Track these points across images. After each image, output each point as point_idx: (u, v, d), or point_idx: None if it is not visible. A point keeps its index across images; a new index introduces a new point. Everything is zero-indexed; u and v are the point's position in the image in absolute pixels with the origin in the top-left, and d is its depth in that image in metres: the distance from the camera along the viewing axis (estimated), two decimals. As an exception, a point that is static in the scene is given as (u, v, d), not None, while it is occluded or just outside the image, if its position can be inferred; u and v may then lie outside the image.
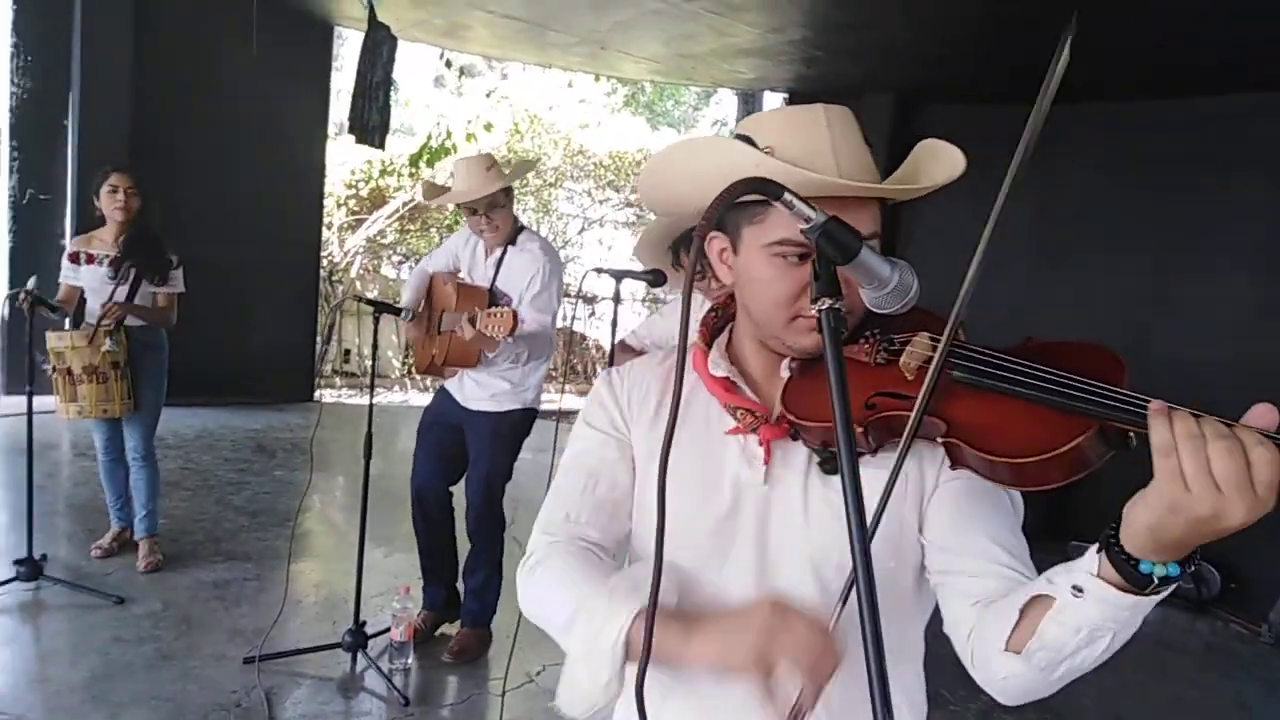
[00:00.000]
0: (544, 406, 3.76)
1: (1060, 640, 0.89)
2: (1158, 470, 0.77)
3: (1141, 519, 0.80)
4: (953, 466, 0.99)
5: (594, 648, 1.01)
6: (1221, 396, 0.82)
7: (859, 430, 1.01)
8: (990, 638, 0.96)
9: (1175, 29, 5.10)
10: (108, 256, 3.96)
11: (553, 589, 1.14)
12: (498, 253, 3.51)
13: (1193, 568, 0.83)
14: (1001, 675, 0.96)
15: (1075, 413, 0.88)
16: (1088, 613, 0.86)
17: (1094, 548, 0.86)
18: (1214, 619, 5.06)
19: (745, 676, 0.92)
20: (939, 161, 1.09)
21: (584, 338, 11.93)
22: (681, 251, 2.85)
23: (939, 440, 0.98)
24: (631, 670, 0.98)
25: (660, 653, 0.94)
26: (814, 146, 1.04)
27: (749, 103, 9.58)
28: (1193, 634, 4.90)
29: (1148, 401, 0.81)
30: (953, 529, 1.07)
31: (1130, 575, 0.83)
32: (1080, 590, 0.86)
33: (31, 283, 3.69)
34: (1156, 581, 0.82)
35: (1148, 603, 0.84)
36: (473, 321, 3.15)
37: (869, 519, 0.96)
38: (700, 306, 3.12)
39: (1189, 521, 0.76)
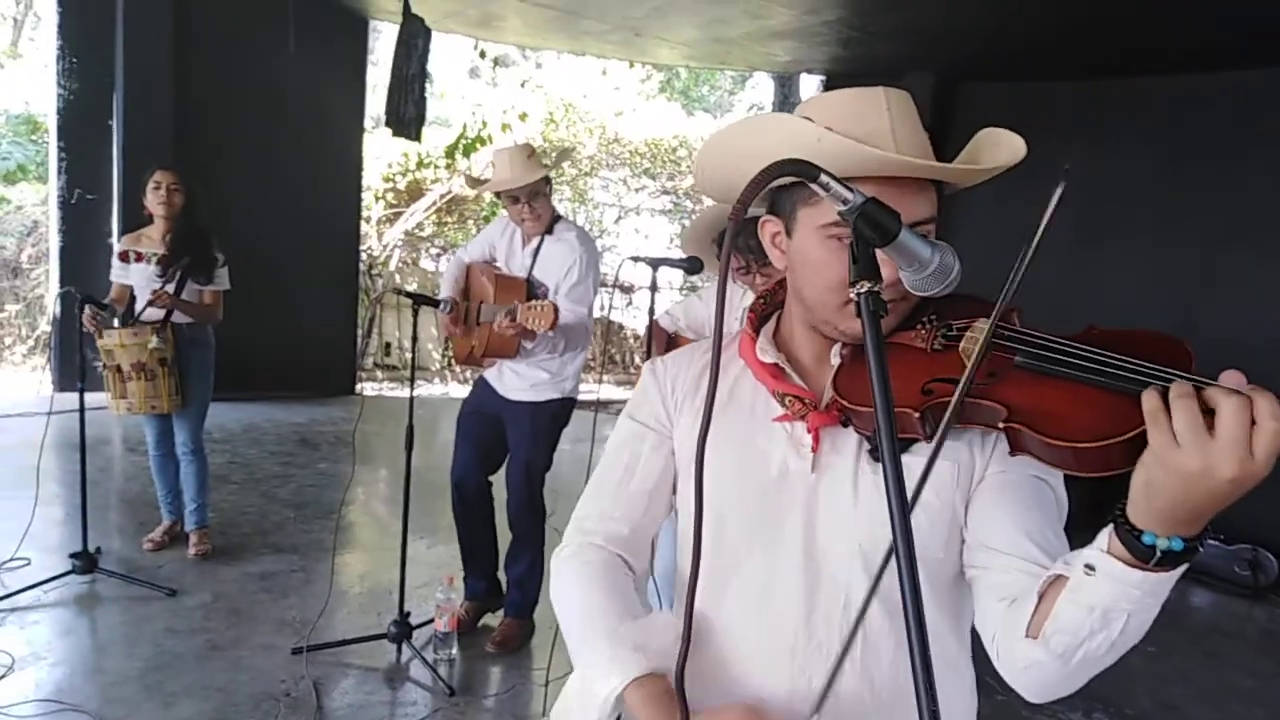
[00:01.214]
0: (582, 396, 3.76)
1: (1075, 621, 0.87)
2: (1149, 431, 0.78)
3: (1138, 481, 0.80)
4: (1012, 452, 0.97)
5: (589, 694, 1.05)
6: (1273, 376, 0.79)
7: (915, 416, 1.00)
8: (1014, 628, 0.95)
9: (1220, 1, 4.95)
10: (156, 255, 4.03)
11: (570, 601, 1.19)
12: (534, 242, 3.51)
13: (1200, 546, 0.82)
14: (1023, 664, 0.95)
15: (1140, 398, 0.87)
16: (1100, 591, 0.85)
17: (1107, 526, 0.85)
18: (1271, 606, 4.94)
19: None
20: (1000, 148, 1.07)
21: (621, 327, 11.93)
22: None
23: (1000, 425, 0.96)
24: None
25: None
26: (873, 127, 1.03)
27: (785, 86, 9.49)
28: (1249, 621, 4.79)
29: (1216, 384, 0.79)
30: (990, 523, 1.05)
31: (1135, 548, 0.82)
32: (1092, 568, 0.85)
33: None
34: (1159, 554, 0.81)
35: (1157, 580, 0.83)
36: (512, 315, 3.16)
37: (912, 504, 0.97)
38: (742, 297, 3.10)
39: (1181, 478, 0.76)
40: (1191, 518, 0.79)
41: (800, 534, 1.11)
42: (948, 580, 1.10)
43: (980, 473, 1.08)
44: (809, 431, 1.11)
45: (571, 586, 1.19)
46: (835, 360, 1.12)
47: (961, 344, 1.03)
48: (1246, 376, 0.78)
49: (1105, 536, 0.85)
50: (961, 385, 0.94)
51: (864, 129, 1.02)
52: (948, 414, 0.94)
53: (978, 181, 1.08)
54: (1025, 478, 1.02)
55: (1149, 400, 0.79)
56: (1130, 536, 0.82)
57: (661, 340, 3.33)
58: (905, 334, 1.08)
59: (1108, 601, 0.84)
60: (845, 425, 1.09)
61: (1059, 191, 0.86)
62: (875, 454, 1.08)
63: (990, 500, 1.06)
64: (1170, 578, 0.83)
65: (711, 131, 1.18)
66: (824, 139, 0.98)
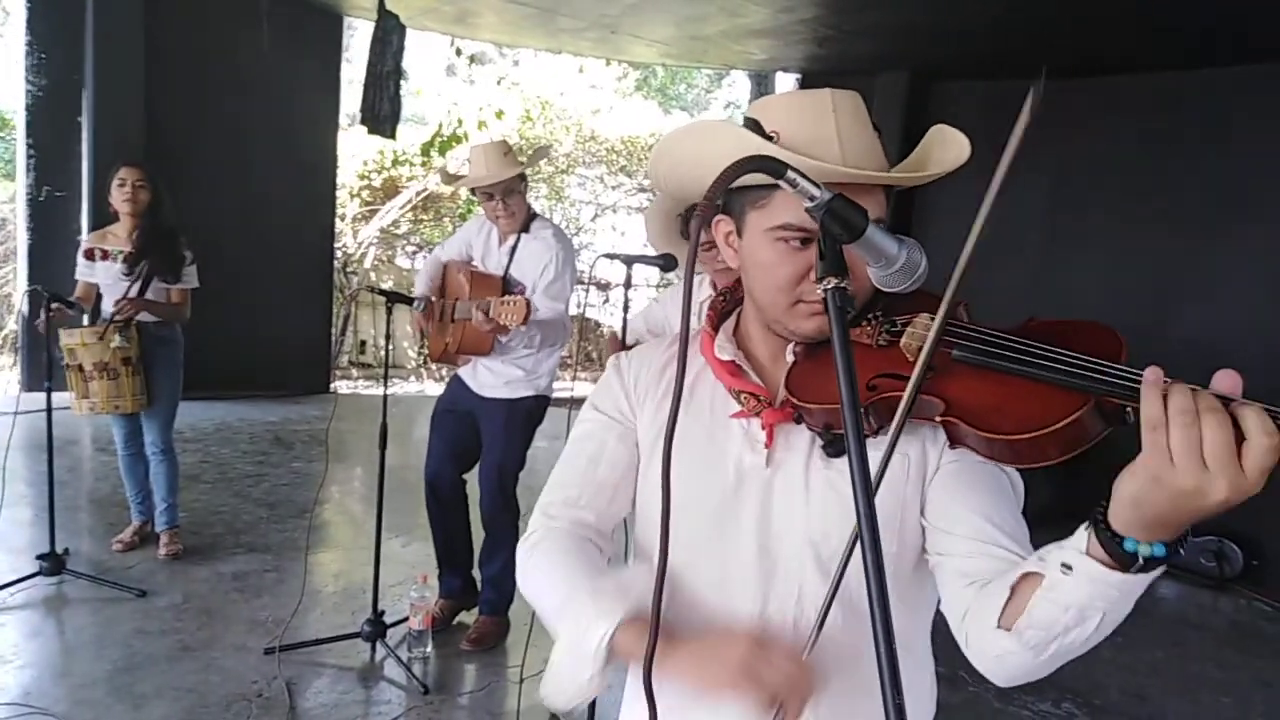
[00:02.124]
0: (557, 394, 3.76)
1: (1050, 618, 0.88)
2: (1145, 443, 0.76)
3: (1126, 491, 0.79)
4: (951, 445, 0.99)
5: (578, 649, 1.05)
6: (1245, 374, 0.80)
7: (860, 412, 1.01)
8: (983, 616, 0.96)
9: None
10: (122, 253, 3.98)
11: (546, 578, 1.18)
12: (511, 240, 3.51)
13: (1180, 551, 0.82)
14: (994, 654, 0.96)
15: (1070, 389, 0.88)
16: (1077, 591, 0.85)
17: (1084, 525, 0.86)
18: (1237, 596, 5.02)
19: (721, 696, 0.97)
20: (946, 148, 1.09)
21: (597, 325, 11.92)
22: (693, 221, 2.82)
23: (937, 419, 0.97)
24: (613, 670, 1.04)
25: (639, 663, 0.98)
26: (820, 133, 1.04)
27: (761, 84, 9.52)
28: (1215, 612, 4.86)
29: (1142, 377, 0.80)
30: (950, 510, 1.06)
31: (1115, 553, 0.82)
32: (1069, 568, 0.86)
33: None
34: (1141, 560, 0.81)
35: (1136, 582, 0.83)
36: (486, 311, 3.15)
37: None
38: (699, 288, 3.11)
39: (1171, 495, 0.75)
40: (1176, 527, 0.80)
41: (754, 528, 1.13)
42: (904, 574, 1.12)
43: (935, 463, 1.09)
44: (763, 428, 1.13)
45: (544, 564, 1.19)
46: (789, 358, 1.14)
47: (903, 339, 1.05)
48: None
49: (1083, 537, 0.85)
50: (913, 383, 0.95)
51: (810, 134, 1.04)
52: (899, 414, 0.95)
53: (924, 183, 1.09)
54: (980, 464, 1.03)
55: (1151, 409, 0.76)
56: (1111, 541, 0.82)
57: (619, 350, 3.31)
58: (851, 330, 1.10)
59: (1084, 600, 0.85)
60: (798, 422, 1.11)
61: (1026, 110, 0.80)
62: (828, 450, 1.09)
63: (948, 488, 1.07)
64: (1148, 579, 0.83)
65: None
66: (764, 150, 0.98)
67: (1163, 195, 6.22)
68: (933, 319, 1.02)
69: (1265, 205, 5.79)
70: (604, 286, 11.04)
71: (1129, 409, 0.84)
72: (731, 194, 1.12)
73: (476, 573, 3.76)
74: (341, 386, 9.57)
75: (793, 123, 1.05)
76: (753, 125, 1.05)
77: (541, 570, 1.19)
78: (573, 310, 3.78)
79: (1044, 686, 0.96)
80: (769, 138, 1.03)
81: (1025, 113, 0.79)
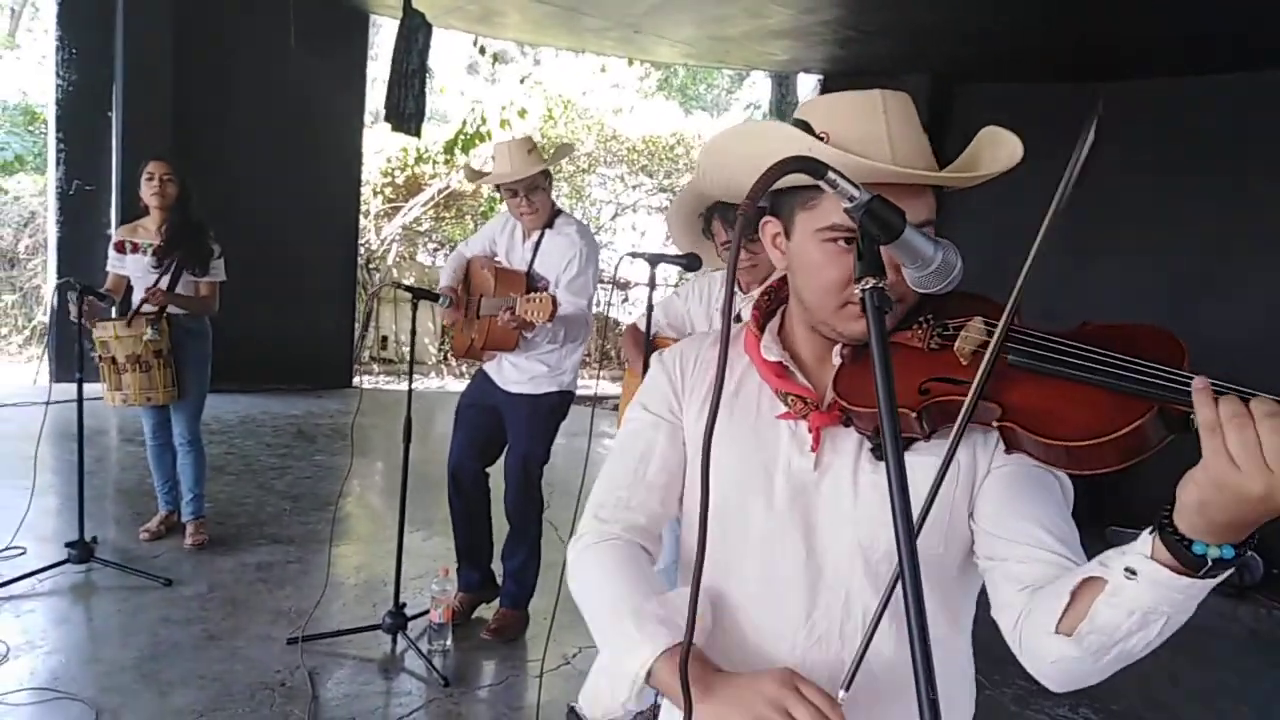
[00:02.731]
0: (580, 391, 3.78)
1: (1113, 623, 0.88)
2: (1205, 448, 0.77)
3: (1191, 497, 0.79)
4: (1008, 450, 0.99)
5: (618, 670, 1.05)
6: (1266, 379, 0.80)
7: (912, 415, 1.02)
8: (1040, 621, 0.96)
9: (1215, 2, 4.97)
10: (151, 245, 4.04)
11: (595, 588, 1.17)
12: (535, 236, 3.54)
13: (1249, 551, 0.81)
14: (1051, 659, 0.95)
15: (1134, 395, 0.87)
16: (1141, 595, 0.85)
17: (1148, 530, 0.85)
18: (1256, 605, 4.98)
19: None
20: (998, 149, 1.08)
21: (618, 323, 11.95)
22: (715, 219, 2.85)
23: (994, 424, 0.97)
24: (649, 692, 1.04)
25: (674, 697, 0.99)
26: (870, 133, 1.04)
27: (783, 85, 9.51)
28: (1235, 620, 4.82)
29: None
30: (1002, 515, 1.06)
31: (1184, 556, 0.82)
32: (1133, 572, 0.85)
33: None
34: (1210, 563, 0.81)
35: (1202, 585, 0.83)
36: (512, 309, 3.18)
37: (921, 504, 0.97)
38: (720, 285, 3.12)
39: (1239, 499, 0.75)
40: (1244, 528, 0.80)
41: (801, 531, 1.12)
42: (947, 577, 1.12)
43: (985, 468, 1.09)
44: (810, 431, 1.12)
45: (594, 573, 1.18)
46: (836, 360, 1.13)
47: (957, 343, 1.04)
48: (1242, 381, 0.78)
49: (1147, 542, 0.85)
50: (974, 389, 0.94)
51: (860, 134, 1.03)
52: (959, 421, 0.95)
53: (975, 185, 1.09)
54: (1030, 468, 1.03)
55: (1205, 412, 0.76)
56: (1179, 545, 0.82)
57: (640, 343, 3.32)
58: (902, 333, 1.09)
59: (1148, 605, 0.85)
60: (846, 425, 1.10)
61: (1090, 136, 0.82)
62: (876, 453, 1.09)
63: (999, 493, 1.07)
64: (1214, 582, 0.83)
65: (709, 130, 1.19)
66: (815, 150, 0.98)
67: (1182, 196, 6.18)
68: (987, 322, 1.02)
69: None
70: (624, 286, 11.05)
71: (1193, 416, 0.83)
72: (780, 195, 1.11)
73: (496, 567, 3.79)
74: (363, 382, 9.63)
75: (843, 123, 1.04)
76: (802, 126, 1.04)
77: (591, 579, 1.18)
78: (594, 309, 3.80)
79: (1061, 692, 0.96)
80: (819, 138, 1.03)
81: (1089, 131, 0.83)
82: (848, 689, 1.02)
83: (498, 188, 3.55)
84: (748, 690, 0.98)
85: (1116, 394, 0.88)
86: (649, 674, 1.02)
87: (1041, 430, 0.92)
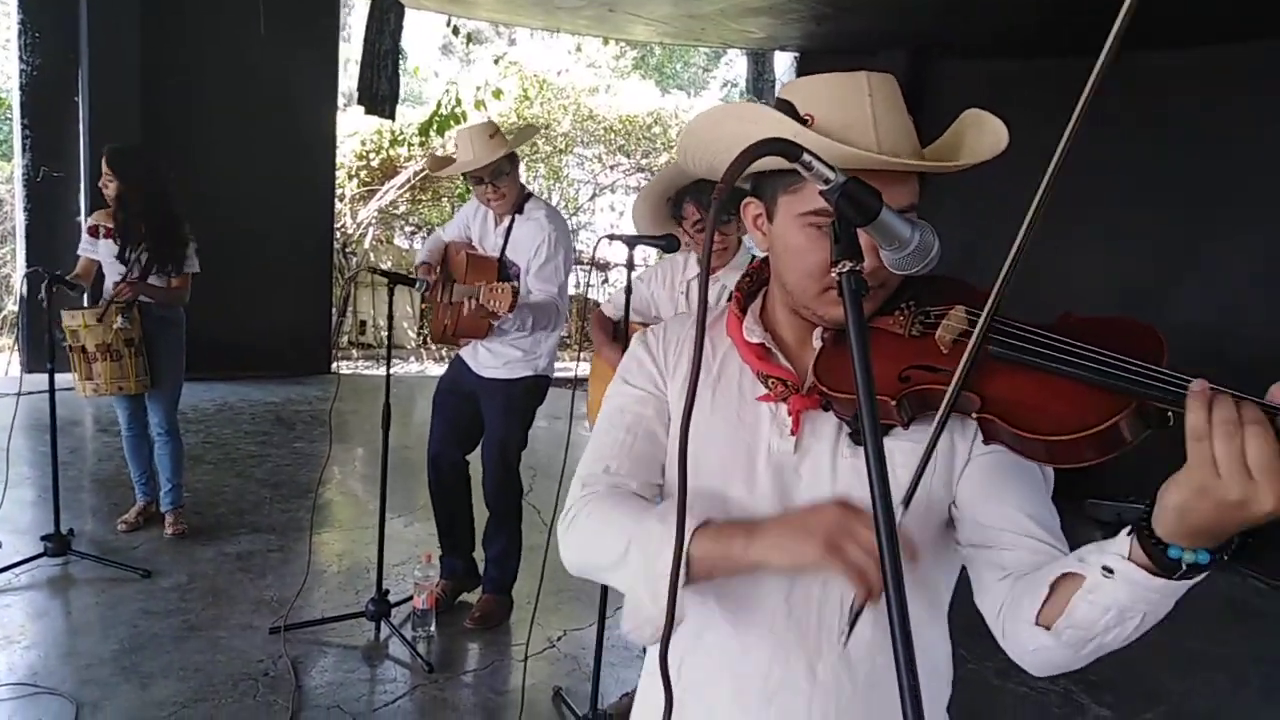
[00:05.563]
0: (560, 374, 3.76)
1: (1090, 619, 0.89)
2: (1190, 454, 0.77)
3: (1171, 500, 0.80)
4: (986, 441, 0.99)
5: (653, 571, 0.99)
6: (1239, 364, 0.80)
7: (892, 403, 1.01)
8: (1021, 611, 0.96)
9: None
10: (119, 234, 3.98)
11: (600, 530, 1.12)
12: (506, 222, 3.50)
13: (1225, 557, 0.82)
14: (1031, 648, 0.97)
15: (1114, 391, 0.87)
16: (1117, 594, 0.86)
17: (1126, 530, 0.86)
18: (1233, 573, 5.05)
19: (813, 569, 0.93)
20: (982, 135, 1.06)
21: (598, 305, 11.91)
22: (686, 202, 2.84)
23: (973, 415, 0.97)
24: (692, 592, 0.99)
25: (723, 559, 0.96)
26: (854, 117, 1.02)
27: (759, 63, 9.47)
28: (1210, 588, 4.87)
29: (1188, 381, 0.80)
30: (984, 502, 1.06)
31: (1159, 559, 0.83)
32: (1110, 571, 0.86)
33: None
34: (1185, 567, 0.82)
35: (1178, 587, 0.84)
36: (476, 298, 3.15)
37: (903, 493, 0.98)
38: (685, 267, 3.12)
39: (1218, 506, 0.76)
40: (1221, 535, 0.80)
41: (779, 513, 1.11)
42: (924, 562, 1.11)
43: (965, 455, 1.09)
44: (790, 414, 1.12)
45: (593, 522, 1.13)
46: (817, 344, 1.13)
47: (938, 331, 1.03)
48: (1221, 359, 0.78)
49: (1125, 542, 0.86)
50: (955, 381, 0.94)
51: (845, 118, 1.02)
52: (940, 412, 0.95)
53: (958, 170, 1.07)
54: (1012, 456, 1.03)
55: (1196, 419, 0.76)
56: (1155, 549, 0.82)
57: (607, 329, 3.31)
58: (884, 319, 1.08)
59: (1125, 603, 0.86)
60: (826, 409, 1.10)
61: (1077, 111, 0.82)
62: (855, 438, 1.08)
63: (981, 480, 1.07)
64: (1190, 584, 0.84)
65: (686, 109, 1.17)
66: (800, 135, 0.97)
67: (1162, 176, 6.18)
68: (969, 311, 1.01)
69: (1265, 187, 5.76)
70: (604, 267, 11.01)
71: (1171, 413, 0.83)
72: (763, 178, 1.10)
73: (478, 554, 3.79)
74: (342, 367, 9.57)
75: (827, 106, 1.03)
76: (786, 107, 1.03)
77: (591, 528, 1.13)
78: (572, 290, 3.77)
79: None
80: (803, 121, 1.01)
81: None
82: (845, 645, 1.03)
83: (464, 175, 3.50)
84: (810, 517, 0.94)
85: (1097, 389, 0.88)
86: (689, 560, 0.96)
87: (1021, 424, 0.92)
